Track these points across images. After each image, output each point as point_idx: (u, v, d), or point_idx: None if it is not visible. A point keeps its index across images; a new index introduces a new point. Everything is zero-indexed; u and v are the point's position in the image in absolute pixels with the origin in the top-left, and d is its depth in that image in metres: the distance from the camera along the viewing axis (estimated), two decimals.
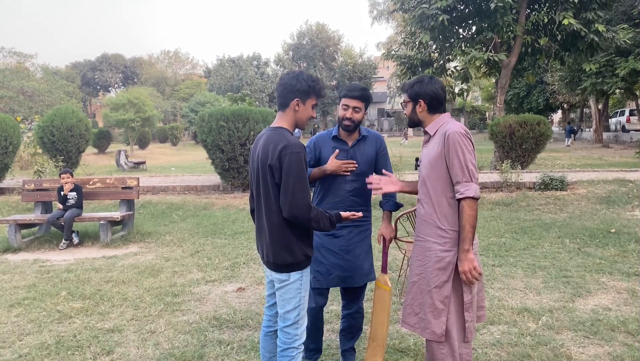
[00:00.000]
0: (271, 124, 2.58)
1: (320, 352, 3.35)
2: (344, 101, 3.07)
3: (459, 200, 2.45)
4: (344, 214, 2.65)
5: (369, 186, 2.89)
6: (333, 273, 3.11)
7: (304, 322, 2.60)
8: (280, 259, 2.48)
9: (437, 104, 2.64)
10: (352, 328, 3.31)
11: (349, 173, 3.03)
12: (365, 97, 3.06)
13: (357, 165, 3.06)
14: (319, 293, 3.15)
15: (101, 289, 4.95)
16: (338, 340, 3.56)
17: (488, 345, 3.53)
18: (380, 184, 2.80)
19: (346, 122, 3.05)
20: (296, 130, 2.62)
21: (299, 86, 2.49)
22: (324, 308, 3.41)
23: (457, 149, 2.45)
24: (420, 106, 2.64)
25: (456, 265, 2.51)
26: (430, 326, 2.56)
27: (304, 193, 2.37)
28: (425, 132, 2.69)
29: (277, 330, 2.72)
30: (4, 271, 5.75)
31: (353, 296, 3.28)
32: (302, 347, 2.61)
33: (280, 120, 2.55)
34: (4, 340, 3.80)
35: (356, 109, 3.03)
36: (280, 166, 2.35)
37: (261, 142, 2.49)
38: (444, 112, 2.68)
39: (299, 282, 2.52)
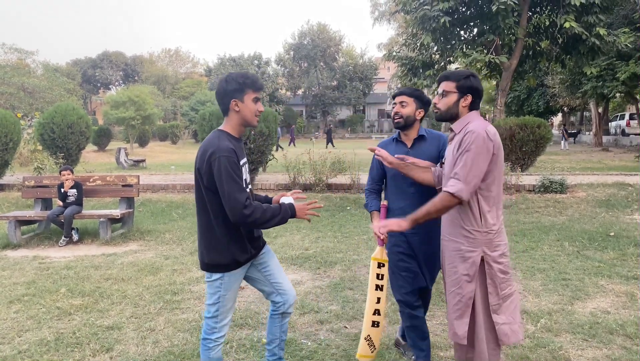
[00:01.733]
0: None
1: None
2: (394, 101, 3.12)
3: (441, 190, 2.47)
4: (297, 206, 2.64)
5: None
6: (413, 271, 3.07)
7: (224, 318, 2.66)
8: (207, 259, 2.60)
9: (478, 102, 2.61)
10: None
11: None
12: (413, 93, 3.06)
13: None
14: (407, 294, 3.08)
15: (101, 287, 4.96)
16: (339, 340, 3.57)
17: None
18: (376, 230, 2.81)
19: (396, 118, 3.07)
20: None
21: (230, 87, 2.51)
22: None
23: (470, 148, 2.41)
24: (465, 100, 2.58)
25: (481, 265, 2.50)
26: (452, 327, 2.56)
27: (236, 193, 2.40)
28: (451, 130, 2.64)
29: (281, 313, 2.86)
30: (4, 268, 5.76)
31: (422, 295, 3.20)
32: (221, 341, 2.68)
33: (224, 124, 2.61)
34: (3, 336, 3.81)
35: (402, 103, 3.04)
36: (210, 170, 2.43)
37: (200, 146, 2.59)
38: (477, 109, 2.64)
39: (219, 281, 2.61)
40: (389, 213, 3.09)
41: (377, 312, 2.91)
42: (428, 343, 3.15)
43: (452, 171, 2.49)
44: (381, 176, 3.26)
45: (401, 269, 3.08)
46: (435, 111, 2.68)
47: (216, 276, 2.61)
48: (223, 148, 2.42)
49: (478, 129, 2.43)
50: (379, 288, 2.89)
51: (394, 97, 3.15)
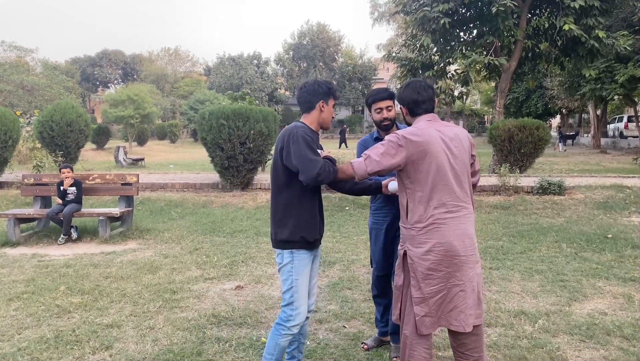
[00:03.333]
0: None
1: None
2: (375, 105, 3.37)
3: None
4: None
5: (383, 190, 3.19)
6: (389, 260, 3.45)
7: (300, 305, 2.80)
8: (278, 236, 2.81)
9: (414, 107, 2.86)
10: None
11: None
12: (392, 95, 3.38)
13: None
14: (381, 278, 3.53)
15: (100, 285, 4.97)
16: (338, 339, 3.60)
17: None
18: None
19: (385, 123, 3.36)
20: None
21: (321, 90, 2.87)
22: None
23: (379, 144, 2.76)
24: (403, 110, 2.94)
25: (405, 259, 2.75)
26: (395, 312, 2.91)
27: (311, 155, 2.67)
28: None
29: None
30: (3, 265, 5.76)
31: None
32: (294, 331, 2.81)
33: (303, 119, 2.91)
34: (3, 334, 3.81)
35: (388, 108, 3.36)
36: (289, 147, 2.71)
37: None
38: (425, 113, 2.83)
39: (290, 265, 2.79)
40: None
41: None
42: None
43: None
44: None
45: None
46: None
47: (287, 259, 2.79)
48: (300, 127, 2.77)
49: (406, 130, 2.77)
50: None
51: (373, 102, 3.37)
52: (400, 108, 2.95)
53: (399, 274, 2.83)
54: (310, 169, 2.63)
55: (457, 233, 2.66)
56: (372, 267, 3.60)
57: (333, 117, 2.98)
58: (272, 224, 2.86)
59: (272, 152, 2.93)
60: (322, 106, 2.87)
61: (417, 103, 2.82)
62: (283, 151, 2.75)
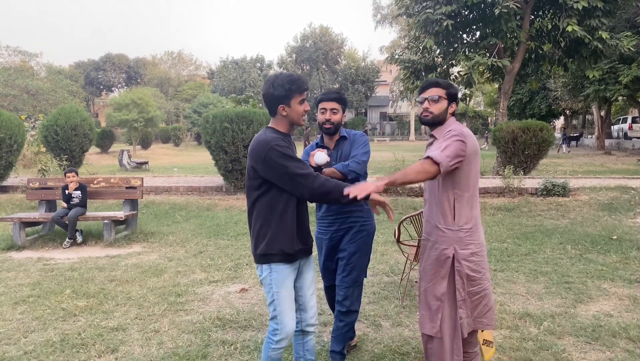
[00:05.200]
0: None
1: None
2: (321, 105, 3.17)
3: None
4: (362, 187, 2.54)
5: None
6: (331, 270, 3.37)
7: (285, 318, 2.65)
8: (258, 250, 2.64)
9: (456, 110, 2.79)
10: (337, 328, 3.30)
11: None
12: (340, 99, 3.18)
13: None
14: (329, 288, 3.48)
15: (105, 288, 4.98)
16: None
17: None
18: (352, 193, 2.41)
19: (326, 125, 3.15)
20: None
21: (277, 93, 2.57)
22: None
23: (451, 137, 2.56)
24: (452, 107, 2.74)
25: (452, 262, 2.64)
26: (426, 320, 2.73)
27: (300, 170, 2.49)
28: (432, 135, 2.77)
29: (300, 330, 2.86)
30: (8, 269, 5.79)
31: (340, 295, 3.28)
32: (283, 345, 2.68)
33: (272, 123, 2.69)
34: (9, 337, 3.83)
35: (334, 110, 3.14)
36: (267, 163, 2.49)
37: (251, 143, 2.65)
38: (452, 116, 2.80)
39: (269, 278, 2.65)
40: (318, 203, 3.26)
41: None
42: None
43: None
44: None
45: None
46: (425, 115, 2.74)
47: (265, 272, 2.65)
48: (270, 139, 2.52)
49: (460, 128, 2.63)
50: None
51: (320, 101, 3.18)
52: (452, 104, 2.73)
53: (439, 282, 2.67)
54: (305, 185, 2.48)
55: (482, 232, 2.74)
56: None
57: (307, 110, 2.64)
58: (251, 237, 2.70)
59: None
60: (284, 110, 2.59)
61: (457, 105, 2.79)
62: (257, 167, 2.53)
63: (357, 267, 3.24)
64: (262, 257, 2.64)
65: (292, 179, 2.49)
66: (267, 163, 2.48)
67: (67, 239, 6.98)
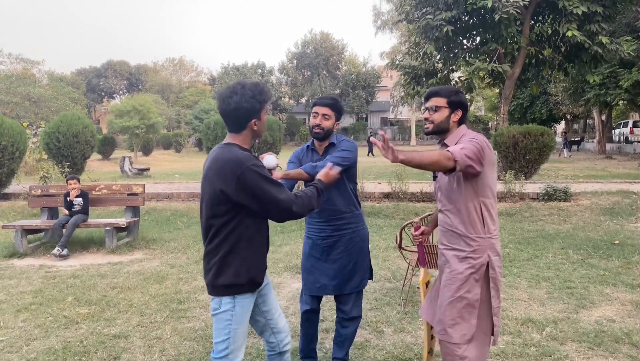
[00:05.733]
0: (223, 141, 2.45)
1: (314, 359, 3.38)
2: (314, 109, 3.14)
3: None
4: (321, 173, 2.58)
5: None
6: (320, 281, 3.19)
7: (236, 357, 2.42)
8: (221, 280, 2.35)
9: (465, 117, 2.73)
10: (339, 335, 3.29)
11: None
12: (334, 106, 3.13)
13: None
14: (310, 298, 3.26)
15: (107, 295, 4.99)
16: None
17: (492, 355, 3.55)
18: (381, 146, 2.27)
19: (316, 130, 3.11)
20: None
21: (249, 106, 2.32)
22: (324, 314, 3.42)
23: (472, 141, 2.49)
24: (456, 114, 2.68)
25: (487, 270, 2.59)
26: (456, 330, 2.60)
27: (280, 194, 2.30)
28: (444, 144, 2.69)
29: (277, 353, 2.70)
30: (10, 276, 5.80)
31: (341, 303, 3.28)
32: None
33: (232, 138, 2.41)
34: (11, 345, 3.83)
35: (325, 116, 3.09)
36: (241, 186, 2.24)
37: (210, 163, 2.36)
38: (463, 124, 2.73)
39: (230, 313, 2.37)
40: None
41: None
42: None
43: (451, 181, 2.62)
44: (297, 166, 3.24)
45: None
46: (426, 126, 2.74)
47: (226, 306, 2.37)
48: (243, 158, 2.26)
49: (476, 134, 2.57)
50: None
51: (314, 105, 3.16)
52: (456, 111, 2.67)
53: (470, 290, 2.59)
54: (286, 210, 2.30)
55: None
56: (302, 286, 3.32)
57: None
58: (209, 267, 2.38)
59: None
60: (255, 124, 2.37)
61: (467, 111, 2.75)
62: (228, 190, 2.25)
63: (357, 274, 3.21)
64: (226, 288, 2.35)
65: (271, 205, 2.28)
66: (242, 185, 2.23)
67: (57, 247, 6.69)
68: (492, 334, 2.64)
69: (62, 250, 6.72)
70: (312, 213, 3.03)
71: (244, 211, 2.32)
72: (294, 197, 2.34)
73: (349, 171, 3.13)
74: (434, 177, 2.86)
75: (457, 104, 2.67)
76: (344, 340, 3.27)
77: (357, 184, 3.35)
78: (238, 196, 2.26)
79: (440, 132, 2.71)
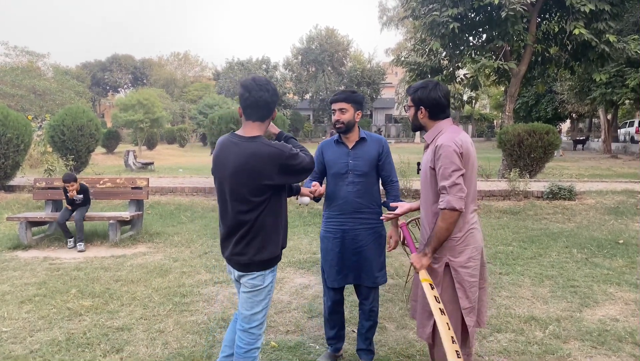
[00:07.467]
0: (241, 133, 2.59)
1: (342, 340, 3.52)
2: (332, 106, 3.26)
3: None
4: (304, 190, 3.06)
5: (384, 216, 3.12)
6: (343, 272, 3.28)
7: (265, 322, 2.71)
8: (258, 256, 2.55)
9: (438, 112, 2.68)
10: (362, 327, 3.39)
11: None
12: (349, 98, 3.21)
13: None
14: (333, 292, 3.35)
15: (110, 288, 5.00)
16: (346, 343, 3.60)
17: (495, 352, 3.54)
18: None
19: (337, 125, 3.22)
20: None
21: (274, 98, 2.58)
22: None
23: (443, 163, 2.51)
24: (421, 112, 2.70)
25: (447, 271, 2.62)
26: (421, 327, 2.73)
27: (305, 163, 2.56)
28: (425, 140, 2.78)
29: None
30: (15, 268, 5.82)
31: (362, 295, 3.36)
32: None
33: (254, 130, 2.57)
34: (15, 336, 3.85)
35: (342, 110, 3.19)
36: (283, 168, 2.50)
37: (246, 158, 2.48)
38: (446, 118, 2.71)
39: (271, 285, 2.64)
40: (328, 201, 3.32)
41: (454, 340, 2.51)
42: None
43: (427, 182, 2.66)
44: (322, 172, 3.38)
45: None
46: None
47: (269, 279, 2.61)
48: (279, 146, 2.51)
49: (447, 142, 2.53)
50: (443, 312, 2.56)
51: (331, 102, 3.27)
52: (420, 109, 2.70)
53: (436, 289, 2.64)
54: (310, 171, 2.61)
55: (481, 234, 2.71)
56: (323, 280, 3.40)
57: None
58: (245, 246, 2.54)
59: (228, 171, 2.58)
60: (273, 116, 2.66)
61: (442, 109, 2.67)
62: (271, 180, 2.48)
63: (376, 268, 3.27)
64: (268, 262, 2.59)
65: (302, 175, 2.60)
66: (284, 171, 2.49)
67: (77, 243, 6.80)
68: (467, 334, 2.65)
69: (82, 245, 6.83)
70: (334, 207, 3.24)
71: (275, 190, 2.55)
72: (304, 154, 2.58)
73: (384, 167, 3.30)
74: (418, 171, 2.97)
75: (418, 101, 2.70)
76: (366, 331, 3.37)
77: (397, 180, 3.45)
78: (280, 179, 2.51)
79: (419, 129, 2.79)
